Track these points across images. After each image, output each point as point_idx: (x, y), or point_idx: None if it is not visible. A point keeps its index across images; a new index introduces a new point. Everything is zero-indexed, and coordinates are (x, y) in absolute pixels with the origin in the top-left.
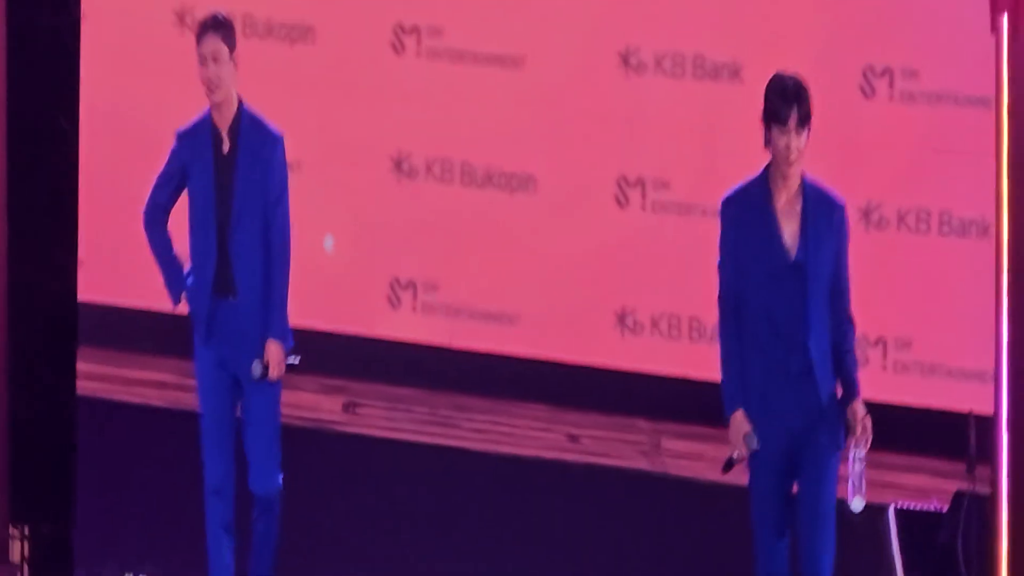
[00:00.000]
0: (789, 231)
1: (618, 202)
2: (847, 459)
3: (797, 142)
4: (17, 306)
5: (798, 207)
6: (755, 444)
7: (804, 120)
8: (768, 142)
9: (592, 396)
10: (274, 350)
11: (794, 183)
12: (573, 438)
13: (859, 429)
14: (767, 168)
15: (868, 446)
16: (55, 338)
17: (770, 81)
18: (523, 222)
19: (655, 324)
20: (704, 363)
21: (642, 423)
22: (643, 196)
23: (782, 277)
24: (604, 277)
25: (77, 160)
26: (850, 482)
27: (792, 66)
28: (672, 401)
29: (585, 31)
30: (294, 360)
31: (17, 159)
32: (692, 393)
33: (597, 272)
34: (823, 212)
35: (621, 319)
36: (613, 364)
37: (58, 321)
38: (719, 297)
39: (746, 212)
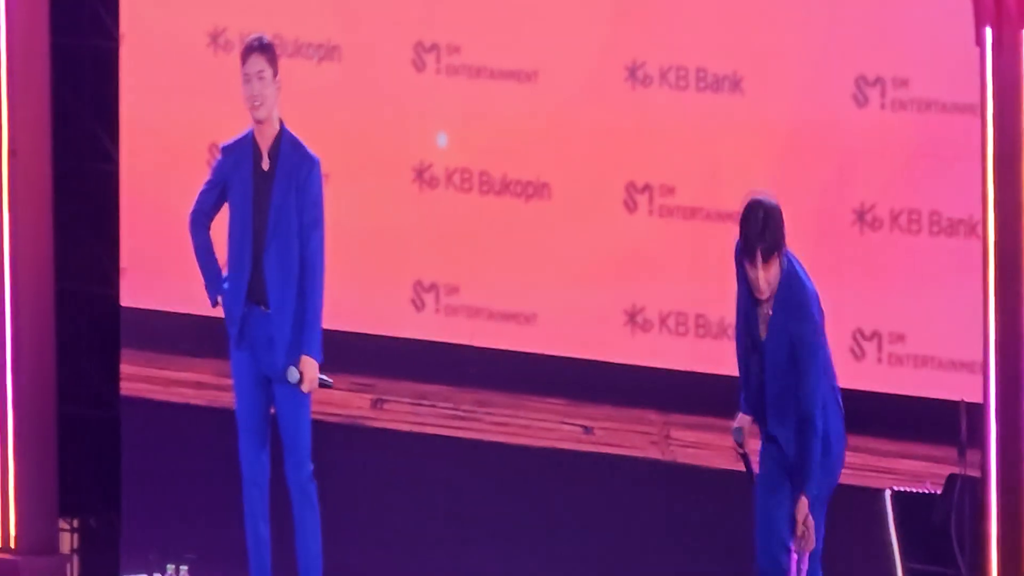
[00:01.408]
0: (763, 310)
1: (627, 207)
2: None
3: (766, 275)
4: (64, 313)
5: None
6: (739, 438)
7: (771, 252)
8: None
9: (605, 390)
10: (309, 367)
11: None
12: (587, 430)
13: (799, 531)
14: None
15: (808, 548)
16: (100, 342)
17: (744, 209)
18: (538, 227)
19: (663, 321)
20: (710, 358)
21: (652, 415)
22: (650, 201)
23: (752, 353)
24: (615, 278)
25: (118, 174)
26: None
27: (789, 77)
28: (680, 394)
29: (594, 47)
30: (328, 380)
31: (62, 174)
32: (699, 386)
33: (608, 273)
34: (787, 302)
35: (631, 317)
36: (624, 360)
37: (102, 326)
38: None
39: (742, 283)
